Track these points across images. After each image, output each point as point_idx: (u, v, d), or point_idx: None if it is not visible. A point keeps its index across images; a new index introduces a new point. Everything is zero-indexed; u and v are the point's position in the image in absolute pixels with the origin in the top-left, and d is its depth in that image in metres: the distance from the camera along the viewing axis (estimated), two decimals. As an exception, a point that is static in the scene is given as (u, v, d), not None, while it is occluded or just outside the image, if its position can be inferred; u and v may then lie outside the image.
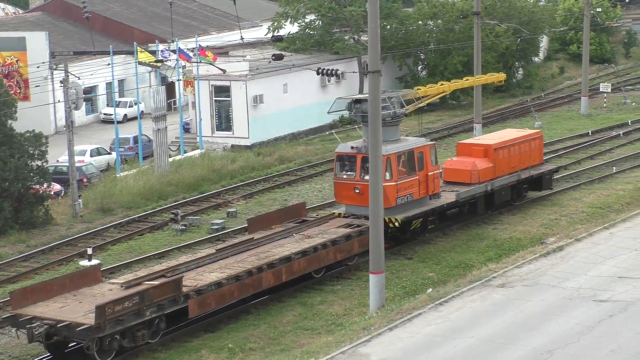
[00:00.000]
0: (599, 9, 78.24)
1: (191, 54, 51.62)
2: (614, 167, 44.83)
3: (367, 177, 31.17)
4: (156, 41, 59.72)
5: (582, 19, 66.71)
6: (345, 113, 37.37)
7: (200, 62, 52.12)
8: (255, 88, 55.41)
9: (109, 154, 53.08)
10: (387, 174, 33.40)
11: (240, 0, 58.46)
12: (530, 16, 71.37)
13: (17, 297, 26.28)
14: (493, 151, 38.42)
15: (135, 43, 53.89)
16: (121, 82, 66.99)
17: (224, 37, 73.54)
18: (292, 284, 30.88)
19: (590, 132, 54.54)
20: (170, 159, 49.28)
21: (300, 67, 50.95)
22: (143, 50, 52.20)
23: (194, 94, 56.65)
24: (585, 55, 62.60)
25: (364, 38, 60.90)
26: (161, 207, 42.38)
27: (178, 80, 54.98)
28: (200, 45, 53.16)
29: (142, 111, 60.85)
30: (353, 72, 55.26)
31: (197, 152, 53.03)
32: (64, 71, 43.56)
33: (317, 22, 64.49)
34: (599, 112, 62.37)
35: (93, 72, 54.62)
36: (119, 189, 44.02)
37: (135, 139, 53.81)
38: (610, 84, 63.62)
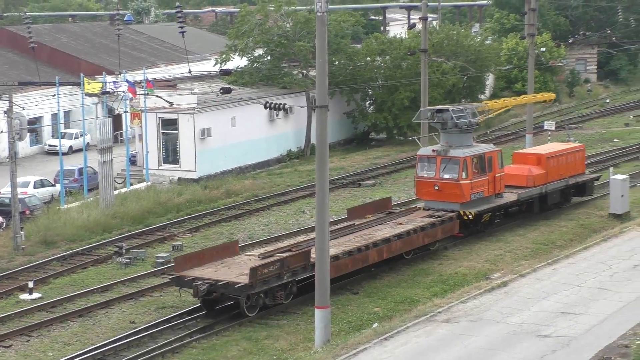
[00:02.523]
0: (543, 49, 79.58)
1: (138, 87, 51.47)
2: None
3: (445, 176, 39.30)
4: (103, 73, 59.49)
5: (526, 58, 67.69)
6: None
7: (148, 94, 52.01)
8: (203, 121, 55.39)
9: (53, 185, 52.59)
10: (464, 174, 39.26)
11: (189, 33, 58.57)
12: (476, 54, 72.36)
13: (179, 262, 32.09)
14: (545, 159, 44.04)
15: (82, 74, 53.62)
16: (67, 113, 66.51)
17: (172, 70, 73.51)
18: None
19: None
20: (116, 192, 48.94)
21: (248, 101, 51.06)
22: (90, 81, 51.95)
23: (141, 127, 56.46)
24: (529, 94, 63.41)
25: (312, 73, 61.25)
26: (106, 240, 42.02)
27: (125, 112, 54.76)
28: (147, 78, 53.07)
29: (88, 143, 60.47)
30: (301, 106, 55.47)
31: (143, 184, 52.75)
32: (7, 101, 43.13)
33: (265, 57, 64.72)
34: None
35: (38, 103, 54.18)
36: (62, 221, 43.56)
37: (80, 171, 53.40)
38: (554, 122, 64.48)
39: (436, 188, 39.68)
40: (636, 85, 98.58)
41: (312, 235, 35.03)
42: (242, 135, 58.39)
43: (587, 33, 79.02)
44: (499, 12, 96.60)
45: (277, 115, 60.42)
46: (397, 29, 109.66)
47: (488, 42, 79.74)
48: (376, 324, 28.73)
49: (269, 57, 64.65)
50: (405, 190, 51.26)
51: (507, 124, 76.85)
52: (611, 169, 46.85)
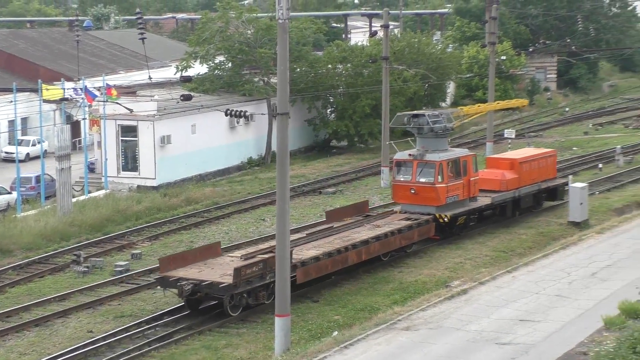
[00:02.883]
0: (503, 57, 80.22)
1: (97, 93, 51.18)
2: (517, 212, 45.78)
3: (421, 180, 40.46)
4: (62, 79, 59.09)
5: (487, 66, 68.24)
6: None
7: (107, 101, 51.73)
8: (163, 128, 55.19)
9: (9, 193, 52.12)
10: (439, 177, 40.32)
11: (149, 40, 58.38)
12: (437, 62, 72.80)
13: (164, 263, 32.83)
14: (518, 164, 45.06)
15: (40, 81, 53.24)
16: (24, 120, 66.00)
17: (132, 76, 73.21)
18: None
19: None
20: (74, 199, 48.60)
21: (209, 108, 50.97)
22: (49, 88, 51.59)
23: (100, 134, 56.14)
24: (490, 102, 63.83)
25: (273, 80, 61.25)
26: (63, 249, 41.68)
27: (84, 119, 54.44)
28: (107, 84, 52.80)
29: (46, 150, 60.01)
30: (262, 113, 55.51)
31: (101, 192, 52.44)
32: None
33: (226, 64, 64.63)
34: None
35: (-5, 110, 53.76)
36: (19, 229, 43.13)
37: (38, 179, 52.99)
38: (514, 130, 65.02)
39: (412, 192, 40.79)
40: (595, 94, 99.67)
41: (293, 237, 36.01)
42: (202, 142, 58.25)
43: (547, 42, 79.78)
44: (460, 20, 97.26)
45: (237, 122, 60.37)
46: (358, 36, 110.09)
47: (449, 50, 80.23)
48: (336, 332, 28.75)
49: (230, 64, 64.57)
50: (366, 198, 51.30)
51: (467, 132, 77.29)
52: (570, 177, 47.27)
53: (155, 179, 54.99)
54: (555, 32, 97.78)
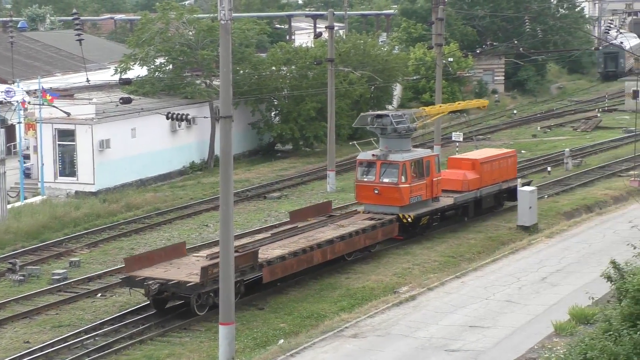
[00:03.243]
0: (450, 59, 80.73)
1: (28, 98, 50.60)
2: (465, 218, 46.11)
3: (385, 180, 41.44)
4: (-4, 81, 58.36)
5: (434, 68, 68.64)
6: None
7: (43, 104, 51.16)
8: (102, 132, 54.71)
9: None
10: (403, 178, 41.30)
11: (87, 41, 57.81)
12: (383, 64, 73.07)
13: (129, 263, 33.50)
14: (480, 165, 46.10)
15: (-27, 83, 52.51)
16: (-43, 124, 65.00)
17: (69, 79, 72.45)
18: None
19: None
20: (9, 206, 47.98)
21: (149, 111, 50.61)
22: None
23: (36, 138, 55.49)
24: (437, 104, 64.24)
25: (216, 82, 61.02)
26: (-2, 257, 41.15)
27: (19, 122, 53.76)
28: (42, 87, 52.20)
29: (-20, 155, 59.07)
30: (204, 117, 55.24)
31: (38, 198, 51.82)
32: None
33: (167, 66, 64.28)
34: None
35: None
36: (-48, 237, 42.52)
37: (-28, 184, 52.21)
38: (462, 133, 65.49)
39: (376, 192, 41.71)
40: (543, 96, 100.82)
41: (258, 237, 38.77)
42: (143, 146, 57.85)
43: (495, 43, 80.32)
44: (406, 21, 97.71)
45: (179, 126, 60.06)
46: (303, 38, 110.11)
47: (395, 51, 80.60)
48: (282, 340, 28.73)
49: (170, 66, 64.24)
50: (312, 203, 51.34)
51: (415, 135, 77.60)
52: (519, 180, 47.73)
53: (94, 184, 54.45)
54: (503, 33, 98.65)
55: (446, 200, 44.04)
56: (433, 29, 62.66)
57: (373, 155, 42.46)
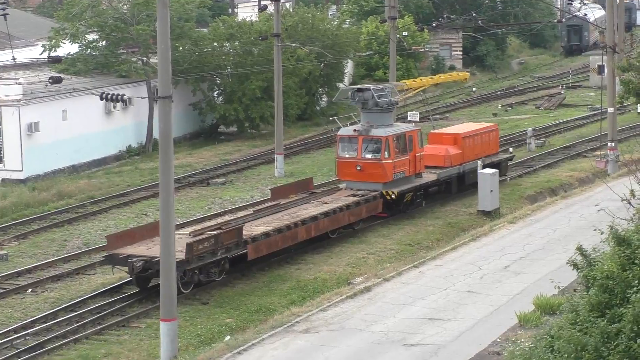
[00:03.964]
0: (405, 33, 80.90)
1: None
2: (423, 202, 46.40)
3: (367, 156, 42.73)
4: None
5: (387, 43, 68.74)
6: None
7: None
8: (30, 115, 54.13)
9: None
10: (386, 153, 42.51)
11: (12, 16, 57.08)
12: (333, 39, 73.03)
13: (111, 241, 34.82)
14: (462, 139, 47.50)
15: None
16: None
17: (-6, 56, 71.56)
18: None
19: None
20: None
21: (81, 91, 50.15)
22: None
23: (-42, 121, 54.80)
24: (392, 81, 64.34)
25: (153, 60, 60.63)
26: None
27: (-61, 105, 53.06)
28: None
29: None
30: (142, 97, 54.94)
31: (-39, 187, 51.23)
32: None
33: (100, 42, 63.70)
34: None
35: None
36: None
37: None
38: (418, 113, 65.68)
39: (358, 168, 43.05)
40: (504, 72, 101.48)
41: (239, 214, 40.51)
42: (75, 130, 57.33)
43: (452, 16, 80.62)
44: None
45: (114, 107, 59.56)
46: (247, 11, 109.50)
47: (346, 25, 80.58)
48: (228, 337, 28.69)
49: (104, 43, 63.67)
50: (258, 189, 51.33)
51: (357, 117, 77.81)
52: (479, 162, 48.02)
53: (22, 171, 53.91)
54: (460, 5, 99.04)
55: (429, 176, 45.45)
56: (386, 1, 62.73)
57: (355, 130, 43.57)
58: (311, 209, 40.17)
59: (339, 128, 46.12)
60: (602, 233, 18.71)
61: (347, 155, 43.53)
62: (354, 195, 42.30)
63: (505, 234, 38.39)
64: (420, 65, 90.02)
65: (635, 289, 16.80)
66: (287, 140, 62.55)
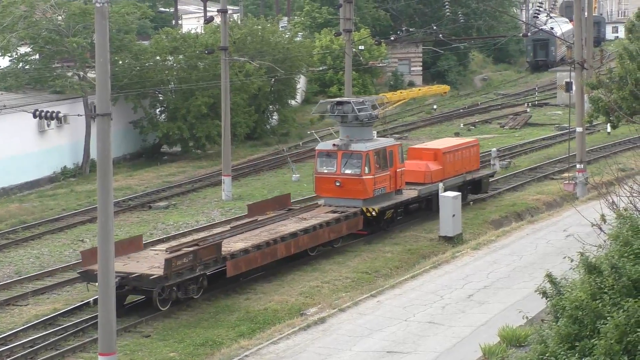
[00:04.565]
0: (361, 47, 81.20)
1: None
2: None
3: (347, 172, 44.00)
4: None
5: (342, 58, 68.96)
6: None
7: None
8: (-43, 133, 53.70)
9: None
10: (366, 168, 43.86)
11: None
12: (285, 53, 73.22)
13: (86, 257, 35.51)
14: (442, 155, 48.97)
15: None
16: None
17: None
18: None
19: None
20: None
21: (12, 108, 49.82)
22: None
23: None
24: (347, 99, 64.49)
25: (91, 75, 60.39)
26: None
27: None
28: None
29: None
30: (78, 115, 54.49)
31: None
32: None
33: (33, 55, 63.34)
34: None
35: None
36: None
37: None
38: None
39: (337, 184, 44.36)
40: (466, 89, 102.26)
41: (215, 230, 41.96)
42: (5, 149, 56.91)
43: (411, 29, 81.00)
44: (310, 4, 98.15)
45: (48, 125, 59.25)
46: (191, 23, 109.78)
47: (298, 39, 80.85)
48: (172, 373, 28.51)
49: (37, 56, 63.32)
50: (204, 213, 51.19)
51: (323, 134, 77.92)
52: (440, 184, 48.25)
53: (-53, 194, 53.43)
54: (420, 18, 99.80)
55: (410, 193, 46.70)
56: (340, 13, 62.88)
57: (334, 145, 44.86)
58: (290, 226, 41.33)
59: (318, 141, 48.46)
60: (571, 260, 18.86)
61: (325, 171, 44.70)
62: (334, 212, 43.45)
63: (468, 261, 38.57)
64: (378, 80, 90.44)
65: (604, 320, 16.93)
66: (235, 161, 62.45)
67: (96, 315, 28.93)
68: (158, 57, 67.99)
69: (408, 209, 47.53)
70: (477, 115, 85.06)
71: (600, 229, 21.68)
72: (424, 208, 48.16)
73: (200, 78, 66.04)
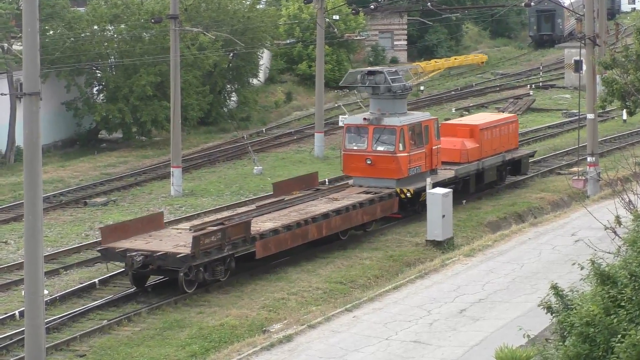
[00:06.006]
0: (336, 17, 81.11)
1: None
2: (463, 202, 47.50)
3: (379, 148, 45.72)
4: None
5: (313, 29, 69.06)
6: None
7: None
8: None
9: None
10: (401, 145, 45.56)
11: None
12: (245, 23, 73.08)
13: (106, 233, 38.42)
14: (479, 131, 50.96)
15: None
16: None
17: None
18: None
19: (327, 180, 56.32)
20: None
21: None
22: None
23: None
24: (319, 78, 64.58)
25: (16, 47, 60.22)
26: None
27: None
28: None
29: None
30: (2, 94, 54.53)
31: None
32: None
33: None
34: (338, 154, 64.51)
35: None
36: None
37: None
38: (348, 115, 66.15)
39: (368, 162, 46.25)
40: (458, 67, 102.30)
41: (240, 209, 44.54)
42: None
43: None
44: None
45: (-35, 106, 59.09)
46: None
47: (261, 6, 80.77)
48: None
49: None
50: (149, 211, 51.09)
51: (288, 119, 78.07)
52: (429, 180, 48.42)
53: None
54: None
55: (446, 173, 48.90)
56: (313, -23, 63.04)
57: (365, 119, 46.75)
58: (321, 206, 43.71)
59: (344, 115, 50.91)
60: (581, 269, 18.95)
61: (355, 148, 46.74)
62: (366, 193, 45.59)
63: (460, 269, 38.70)
64: (355, 57, 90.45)
65: (620, 336, 17.02)
66: (187, 150, 62.43)
67: (22, 331, 28.85)
68: (96, 27, 67.80)
69: None
70: (471, 99, 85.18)
71: (615, 232, 21.78)
72: (460, 190, 49.47)
73: (145, 52, 65.93)
